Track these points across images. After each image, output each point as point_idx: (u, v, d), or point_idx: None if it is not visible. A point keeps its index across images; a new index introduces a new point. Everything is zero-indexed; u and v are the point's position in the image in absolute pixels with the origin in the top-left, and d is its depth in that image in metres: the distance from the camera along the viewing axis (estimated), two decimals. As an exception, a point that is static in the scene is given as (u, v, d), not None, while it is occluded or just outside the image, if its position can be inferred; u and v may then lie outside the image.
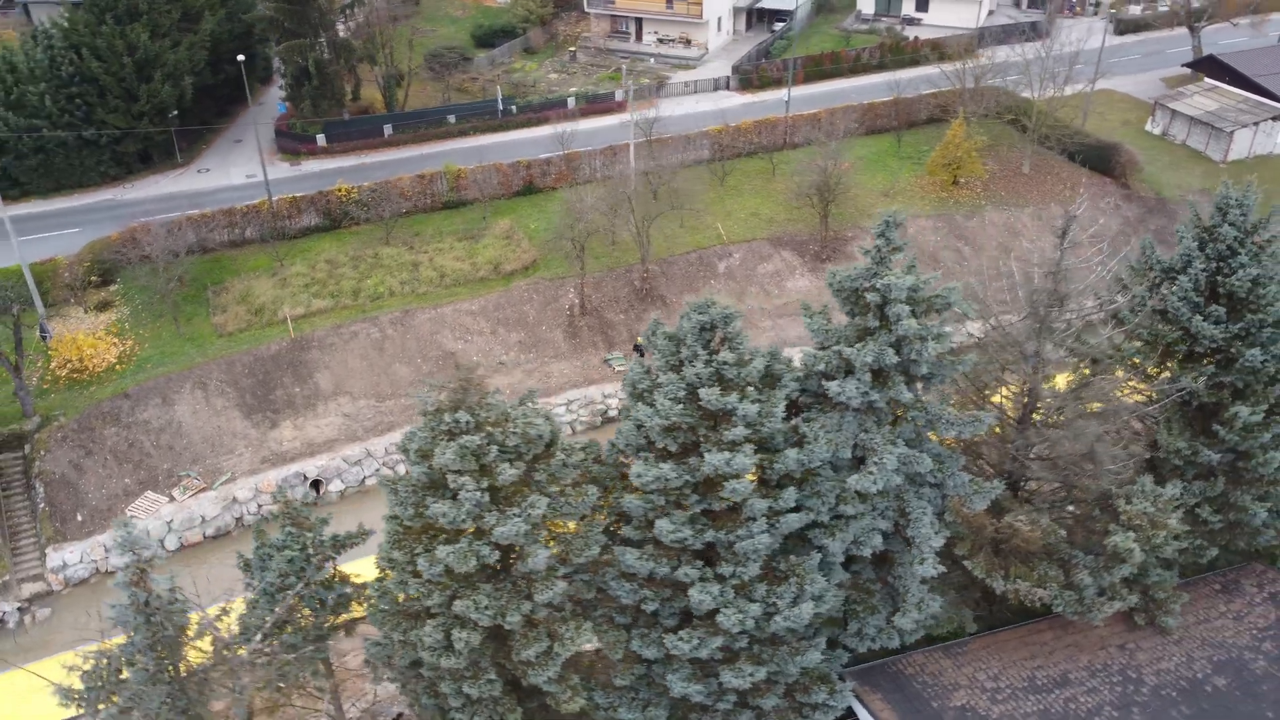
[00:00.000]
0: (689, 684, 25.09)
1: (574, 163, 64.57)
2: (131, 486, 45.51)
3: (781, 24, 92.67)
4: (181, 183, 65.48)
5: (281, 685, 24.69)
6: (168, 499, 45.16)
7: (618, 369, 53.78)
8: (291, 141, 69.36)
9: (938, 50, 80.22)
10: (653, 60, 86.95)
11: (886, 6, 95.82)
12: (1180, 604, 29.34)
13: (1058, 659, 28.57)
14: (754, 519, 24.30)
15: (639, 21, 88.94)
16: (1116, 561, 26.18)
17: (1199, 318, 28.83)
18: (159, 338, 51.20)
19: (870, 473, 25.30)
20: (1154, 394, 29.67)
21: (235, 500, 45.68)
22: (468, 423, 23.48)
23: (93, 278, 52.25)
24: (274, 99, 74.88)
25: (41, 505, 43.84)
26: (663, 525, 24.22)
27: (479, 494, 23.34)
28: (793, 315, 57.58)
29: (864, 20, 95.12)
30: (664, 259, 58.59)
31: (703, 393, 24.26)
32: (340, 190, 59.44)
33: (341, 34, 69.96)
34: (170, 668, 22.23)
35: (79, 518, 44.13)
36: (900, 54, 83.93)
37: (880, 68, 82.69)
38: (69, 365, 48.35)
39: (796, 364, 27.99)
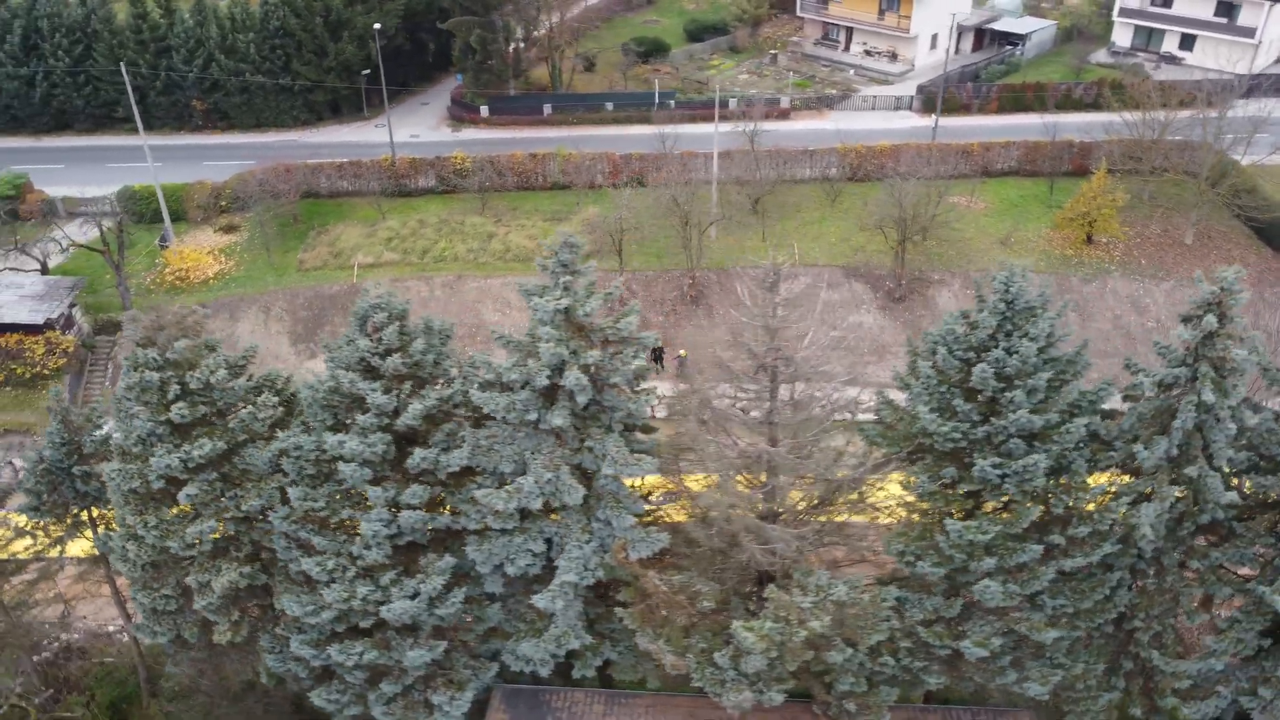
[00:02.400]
0: (304, 648, 26.66)
1: (688, 161, 65.02)
2: (180, 382, 53.13)
3: (1011, 47, 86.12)
4: (357, 134, 73.53)
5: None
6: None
7: (635, 367, 54.32)
8: (460, 110, 75.47)
9: (1171, 94, 70.58)
10: (852, 71, 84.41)
11: (1146, 40, 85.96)
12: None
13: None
14: (375, 505, 25.33)
15: (849, 31, 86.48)
16: (743, 651, 23.95)
17: (926, 410, 25.40)
18: (254, 263, 58.75)
19: (506, 491, 25.27)
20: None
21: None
22: (153, 359, 26.51)
23: (223, 203, 60.65)
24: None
25: (107, 384, 52.48)
26: (295, 493, 25.96)
27: (151, 424, 26.35)
28: (841, 350, 54.95)
29: (1116, 53, 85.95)
30: (724, 269, 57.93)
31: (339, 374, 25.65)
32: (456, 158, 64.24)
33: (530, 16, 74.08)
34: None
35: (131, 398, 52.36)
36: (1121, 93, 75.34)
37: (1093, 106, 74.79)
38: (175, 273, 56.91)
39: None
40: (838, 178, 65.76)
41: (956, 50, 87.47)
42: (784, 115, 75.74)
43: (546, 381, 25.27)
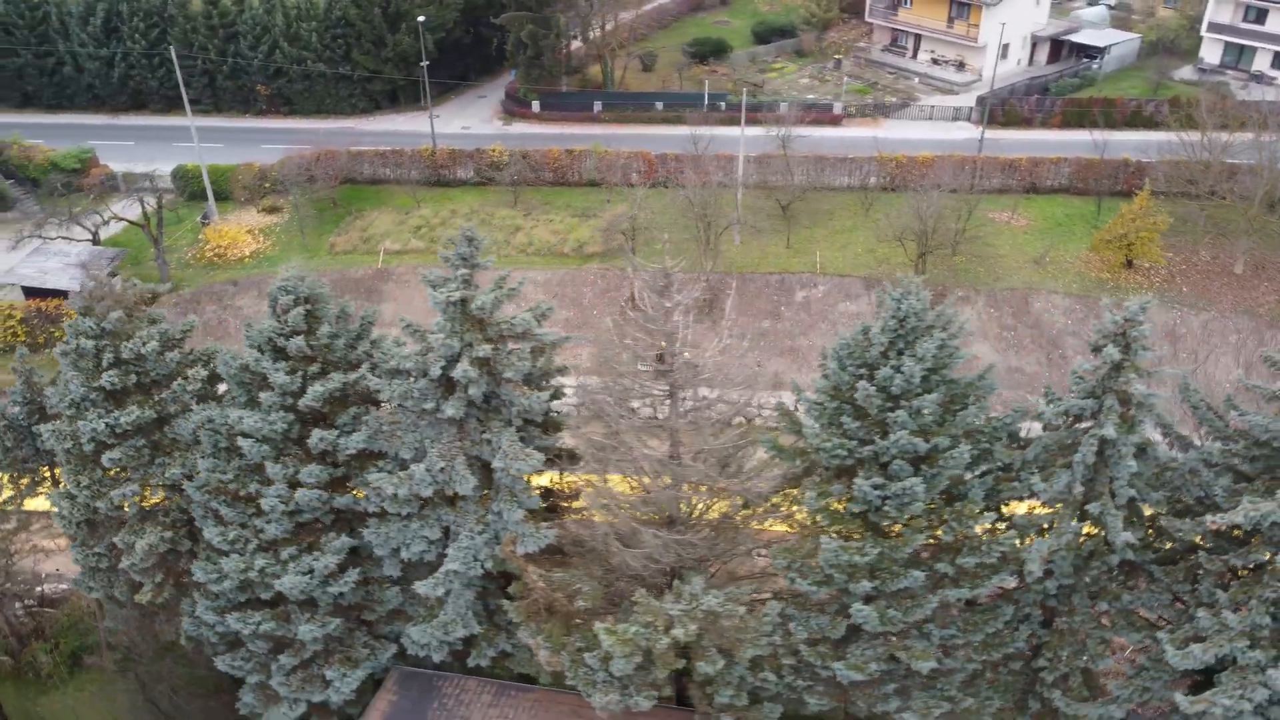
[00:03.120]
0: (209, 614, 27.69)
1: (725, 164, 64.62)
2: (205, 354, 55.51)
3: (1088, 60, 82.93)
4: (411, 123, 75.32)
5: None
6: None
7: (640, 365, 54.34)
8: (513, 104, 76.62)
9: (1234, 113, 66.92)
10: (918, 80, 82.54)
11: (1236, 58, 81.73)
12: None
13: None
14: (274, 481, 26.13)
15: (917, 38, 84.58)
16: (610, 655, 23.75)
17: (812, 424, 24.72)
18: (289, 244, 60.90)
19: (398, 477, 25.75)
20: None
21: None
22: (90, 328, 27.91)
23: (266, 185, 62.99)
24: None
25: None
26: (205, 464, 26.99)
27: (84, 390, 27.79)
28: (748, 358, 54.02)
29: (1202, 70, 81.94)
30: (744, 274, 57.48)
31: (248, 352, 26.59)
32: (494, 151, 65.31)
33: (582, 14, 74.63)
34: None
35: (158, 367, 54.97)
36: (1179, 111, 71.83)
37: (1161, 125, 71.42)
38: (213, 249, 59.42)
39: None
40: (876, 187, 64.56)
41: (1031, 61, 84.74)
42: (835, 121, 74.61)
43: (440, 372, 25.67)
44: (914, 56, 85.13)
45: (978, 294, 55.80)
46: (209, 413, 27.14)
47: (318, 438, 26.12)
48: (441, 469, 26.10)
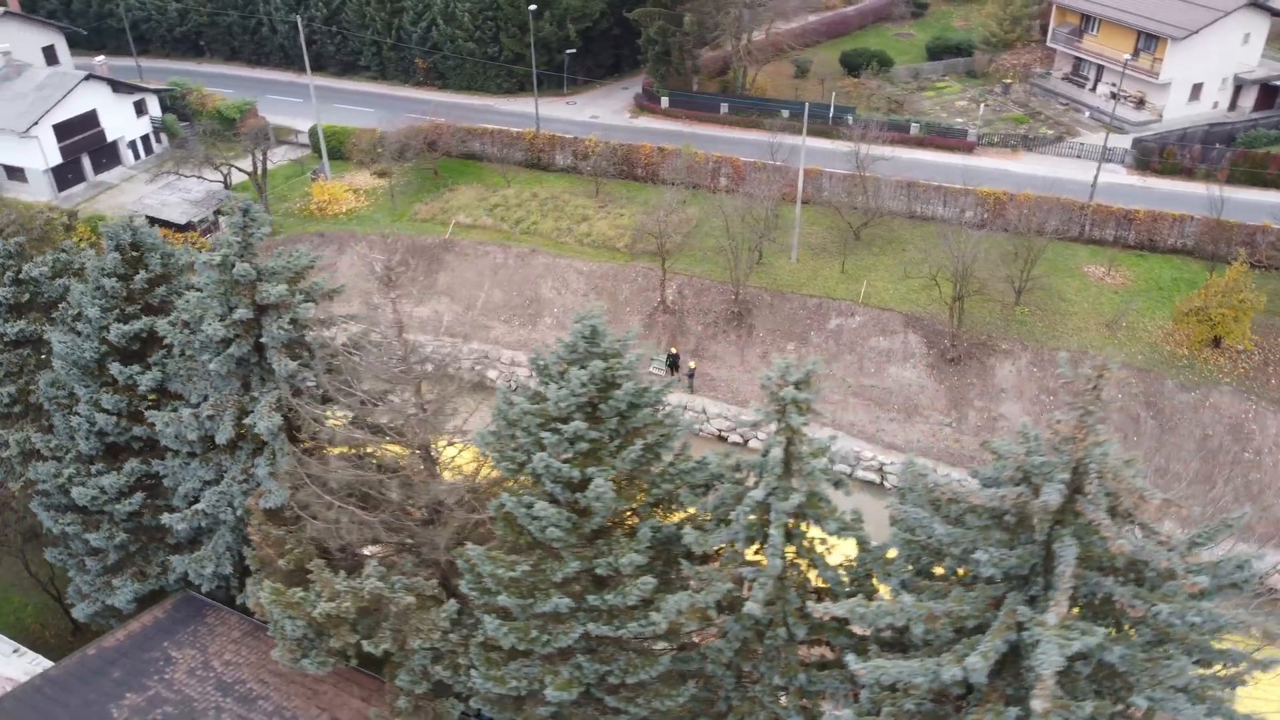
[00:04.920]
0: (39, 510, 31.37)
1: (812, 179, 62.74)
2: (279, 295, 61.18)
3: (1299, 110, 72.72)
4: (547, 107, 78.12)
5: None
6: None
7: (652, 370, 54.33)
8: (646, 99, 77.80)
9: None
10: (1088, 114, 75.78)
11: None
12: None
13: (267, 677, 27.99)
14: (79, 401, 29.33)
15: (1099, 69, 77.43)
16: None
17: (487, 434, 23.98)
18: (381, 206, 65.55)
19: (167, 416, 28.09)
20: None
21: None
22: (-4, 249, 32.39)
23: (379, 149, 67.97)
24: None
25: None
26: (44, 377, 30.69)
27: None
28: (867, 401, 51.54)
29: None
30: (782, 292, 55.80)
31: (75, 285, 29.84)
32: (590, 141, 66.89)
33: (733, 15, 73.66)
34: None
35: (238, 300, 61.26)
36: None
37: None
38: (316, 203, 65.13)
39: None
40: (970, 221, 60.18)
41: (1233, 106, 75.34)
42: (968, 149, 70.05)
43: (209, 330, 27.72)
44: (1093, 89, 77.97)
45: (1024, 349, 51.13)
46: (56, 333, 30.79)
47: (117, 370, 29.04)
48: (210, 416, 28.25)
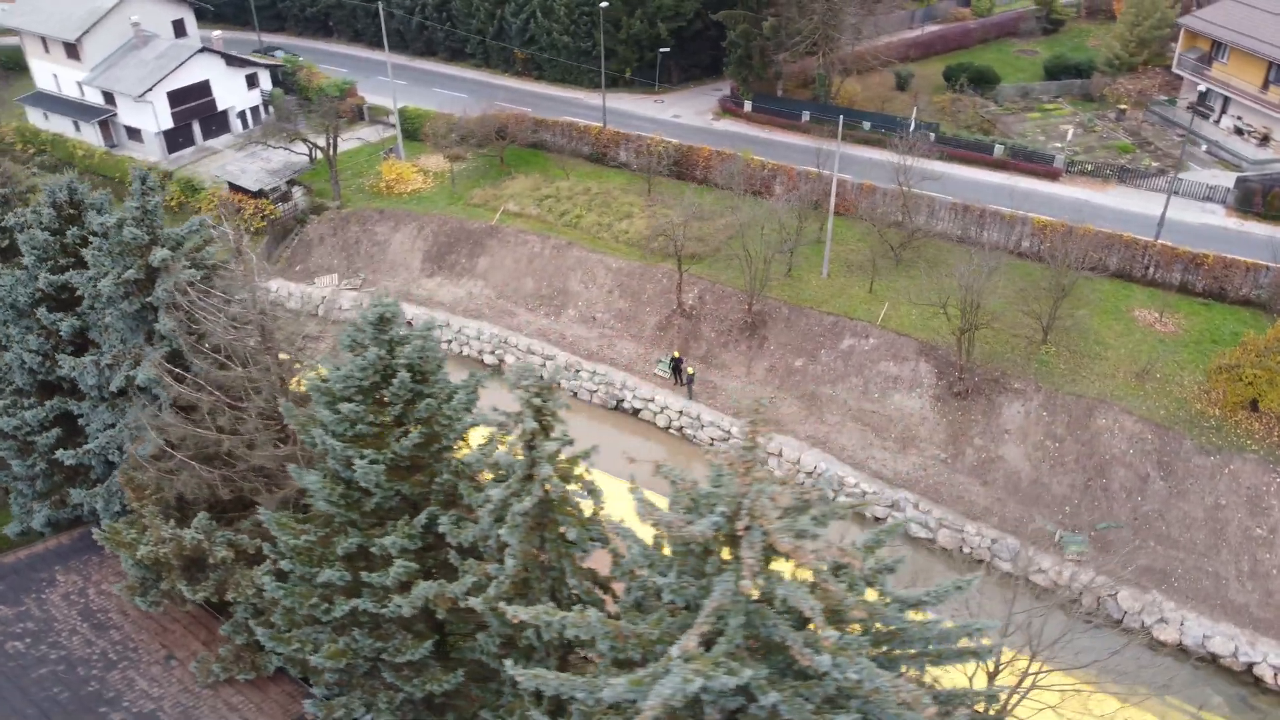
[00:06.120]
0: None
1: (867, 194, 60.90)
2: (334, 265, 64.48)
3: None
4: (635, 105, 78.83)
5: None
6: (337, 284, 63.13)
7: (656, 373, 54.26)
8: (730, 102, 77.27)
9: None
10: (1205, 147, 70.17)
11: None
12: None
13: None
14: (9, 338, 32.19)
15: (1225, 100, 71.47)
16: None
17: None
18: (443, 190, 67.87)
19: (80, 361, 30.51)
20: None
21: (360, 305, 61.50)
22: (-19, 196, 35.84)
23: (452, 134, 70.36)
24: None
25: (286, 251, 65.53)
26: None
27: (-30, 241, 35.97)
28: (865, 427, 49.86)
29: None
30: (800, 307, 54.44)
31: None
32: (652, 140, 67.13)
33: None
34: None
35: (296, 268, 64.95)
36: None
37: None
38: (385, 181, 68.16)
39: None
40: (1028, 252, 57.02)
41: (1379, 151, 67.93)
42: (1053, 176, 66.12)
43: (110, 285, 29.85)
44: (1217, 121, 71.99)
45: (1038, 391, 48.07)
46: (5, 277, 33.83)
47: (43, 315, 31.72)
48: (109, 365, 30.50)
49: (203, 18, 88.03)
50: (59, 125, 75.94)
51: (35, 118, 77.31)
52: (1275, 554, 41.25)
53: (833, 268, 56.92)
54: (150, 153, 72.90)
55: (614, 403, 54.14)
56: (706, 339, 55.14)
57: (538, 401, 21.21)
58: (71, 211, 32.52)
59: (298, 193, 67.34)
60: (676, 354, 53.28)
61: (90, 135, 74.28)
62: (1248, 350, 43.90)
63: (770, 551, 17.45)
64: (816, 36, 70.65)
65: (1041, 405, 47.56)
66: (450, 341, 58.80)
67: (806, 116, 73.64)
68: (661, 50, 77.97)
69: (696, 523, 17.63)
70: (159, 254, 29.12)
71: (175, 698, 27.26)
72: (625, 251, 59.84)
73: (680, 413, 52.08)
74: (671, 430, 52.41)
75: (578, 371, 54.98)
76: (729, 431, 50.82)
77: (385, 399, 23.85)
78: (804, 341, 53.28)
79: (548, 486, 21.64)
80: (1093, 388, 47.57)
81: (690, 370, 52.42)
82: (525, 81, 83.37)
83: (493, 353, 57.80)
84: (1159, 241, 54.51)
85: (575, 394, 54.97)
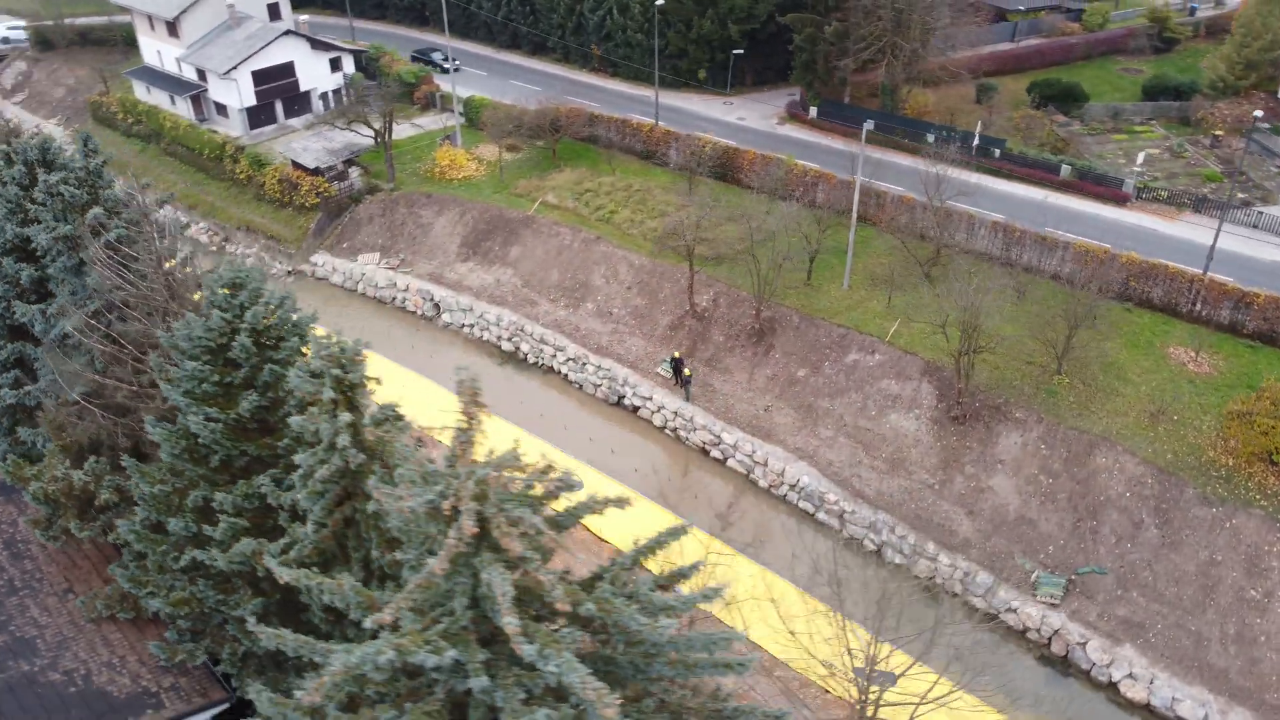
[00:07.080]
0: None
1: (907, 208, 58.82)
2: (379, 244, 66.47)
3: None
4: (702, 105, 78.30)
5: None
6: (378, 263, 65.05)
7: (659, 372, 53.81)
8: (797, 107, 75.93)
9: None
10: (1300, 180, 64.96)
11: None
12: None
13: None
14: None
15: (1331, 129, 65.90)
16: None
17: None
18: (492, 178, 68.98)
19: (24, 310, 32.43)
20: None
21: (394, 285, 63.25)
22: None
23: (508, 125, 71.47)
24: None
25: (337, 228, 67.89)
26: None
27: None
28: (856, 444, 48.28)
29: None
30: (811, 317, 53.04)
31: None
32: (702, 140, 66.58)
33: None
34: None
35: (343, 245, 67.24)
36: None
37: None
38: (439, 167, 69.84)
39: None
40: (1069, 278, 53.91)
41: None
42: (1121, 201, 62.39)
43: (46, 239, 31.62)
44: (1320, 152, 66.44)
45: (1039, 423, 45.45)
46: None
47: (8, 264, 33.89)
48: (55, 314, 32.36)
49: (311, 4, 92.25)
50: (158, 98, 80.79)
51: (139, 90, 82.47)
52: (1268, 620, 37.80)
53: (856, 279, 55.18)
54: (234, 128, 76.74)
55: (615, 398, 53.96)
56: (714, 342, 54.33)
57: (337, 372, 21.38)
58: (44, 171, 34.55)
59: (354, 173, 69.69)
60: (677, 354, 52.69)
61: (183, 109, 78.73)
62: (1263, 397, 40.36)
63: (485, 536, 17.15)
64: (883, 44, 68.52)
65: (1040, 438, 44.93)
66: (471, 325, 59.80)
67: (870, 125, 71.45)
68: (734, 52, 77.23)
69: (411, 498, 17.46)
70: (92, 213, 30.71)
71: (59, 628, 28.68)
72: (649, 248, 59.54)
73: (675, 413, 51.51)
74: (666, 430, 51.88)
75: (584, 365, 55.06)
76: (719, 436, 49.99)
77: (237, 361, 24.49)
78: (810, 352, 51.86)
79: (347, 458, 21.79)
80: (1099, 424, 44.63)
81: (689, 372, 51.76)
82: (600, 78, 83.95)
83: (510, 339, 58.44)
84: (1207, 275, 50.65)
85: (580, 387, 55.11)
